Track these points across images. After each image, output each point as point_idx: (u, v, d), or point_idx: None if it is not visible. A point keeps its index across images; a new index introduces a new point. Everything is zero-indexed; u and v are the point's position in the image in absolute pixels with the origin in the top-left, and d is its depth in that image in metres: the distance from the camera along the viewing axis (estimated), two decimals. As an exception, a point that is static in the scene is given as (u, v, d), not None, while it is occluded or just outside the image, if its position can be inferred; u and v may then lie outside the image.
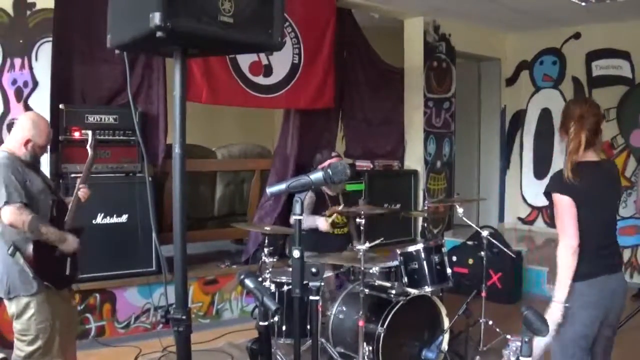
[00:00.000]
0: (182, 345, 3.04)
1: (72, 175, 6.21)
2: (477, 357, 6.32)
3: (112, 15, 2.96)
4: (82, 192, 4.98)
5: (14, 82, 6.48)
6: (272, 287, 5.98)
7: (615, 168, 4.84)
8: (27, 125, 4.72)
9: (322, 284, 4.01)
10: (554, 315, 4.07)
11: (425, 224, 9.97)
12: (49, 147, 5.02)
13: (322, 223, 6.83)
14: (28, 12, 6.53)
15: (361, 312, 5.53)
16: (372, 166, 9.66)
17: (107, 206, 6.92)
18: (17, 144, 4.67)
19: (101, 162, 6.88)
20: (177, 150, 2.96)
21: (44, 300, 4.61)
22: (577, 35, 11.00)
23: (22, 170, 4.57)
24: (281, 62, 8.27)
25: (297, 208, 3.29)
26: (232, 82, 7.85)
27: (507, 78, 12.07)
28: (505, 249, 7.70)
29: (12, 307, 4.62)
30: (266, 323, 3.34)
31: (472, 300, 6.42)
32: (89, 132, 5.27)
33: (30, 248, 4.49)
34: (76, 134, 6.67)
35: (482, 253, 6.71)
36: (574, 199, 4.20)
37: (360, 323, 5.52)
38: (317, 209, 7.02)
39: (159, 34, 2.57)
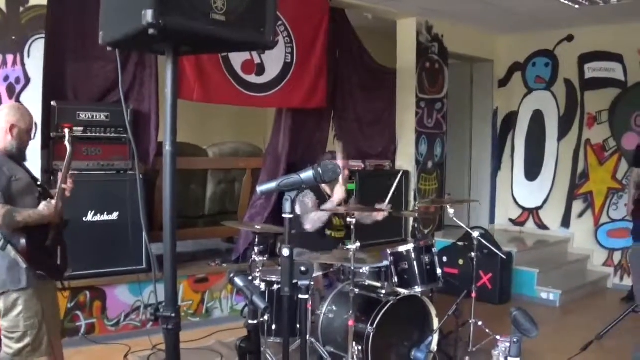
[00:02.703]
0: (172, 343, 3.04)
1: (64, 172, 6.19)
2: (467, 358, 6.33)
3: (104, 12, 2.96)
4: (66, 186, 4.96)
5: (6, 78, 6.47)
6: (262, 286, 5.98)
7: None
8: (7, 112, 4.70)
9: (312, 282, 4.01)
10: None
11: (416, 224, 9.97)
12: (34, 135, 4.97)
13: (337, 193, 6.78)
14: (21, 9, 6.52)
15: (351, 312, 5.53)
16: (363, 166, 9.66)
17: (98, 204, 6.91)
18: (1, 137, 4.64)
19: (92, 159, 6.88)
20: (167, 148, 2.95)
21: (33, 295, 4.59)
22: (569, 38, 11.03)
23: (7, 168, 4.54)
24: (274, 61, 8.28)
25: (286, 207, 3.30)
26: (224, 81, 7.85)
27: (499, 79, 12.09)
28: (496, 250, 7.72)
29: (0, 303, 4.61)
30: (255, 322, 3.35)
31: (462, 301, 6.43)
32: (67, 129, 5.25)
33: (23, 241, 4.48)
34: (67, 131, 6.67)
35: (473, 254, 6.72)
36: None
37: (350, 323, 5.52)
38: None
39: (151, 31, 2.56)
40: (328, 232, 6.98)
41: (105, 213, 6.96)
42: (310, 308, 5.61)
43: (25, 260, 4.47)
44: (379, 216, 6.82)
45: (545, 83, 11.44)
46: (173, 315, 2.97)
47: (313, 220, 6.67)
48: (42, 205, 4.67)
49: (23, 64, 6.56)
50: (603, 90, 10.71)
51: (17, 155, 4.73)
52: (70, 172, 4.97)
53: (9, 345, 4.63)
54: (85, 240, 6.46)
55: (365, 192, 9.15)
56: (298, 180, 3.26)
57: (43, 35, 6.64)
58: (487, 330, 6.41)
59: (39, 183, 4.88)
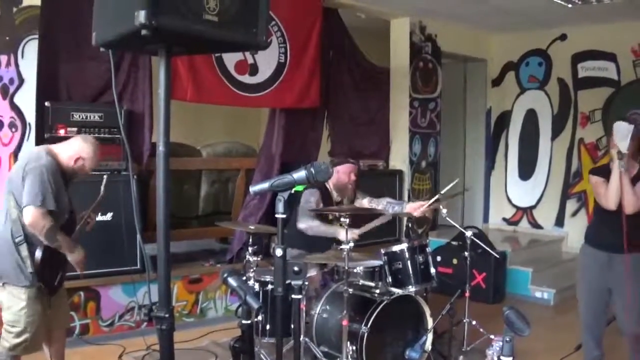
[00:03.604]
0: (165, 343, 3.04)
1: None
2: (461, 357, 6.33)
3: (97, 13, 2.96)
4: (90, 219, 5.21)
5: (0, 79, 6.47)
6: (256, 286, 5.98)
7: None
8: (85, 145, 4.91)
9: (306, 283, 4.01)
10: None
11: (410, 224, 9.99)
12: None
13: (344, 234, 6.19)
14: (14, 9, 6.51)
15: (345, 312, 5.52)
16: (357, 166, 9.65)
17: (92, 204, 6.89)
18: (66, 156, 4.82)
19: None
20: (161, 148, 2.96)
21: (37, 294, 4.65)
22: (563, 37, 11.04)
23: (59, 180, 4.64)
24: (267, 61, 8.28)
25: (279, 207, 3.30)
26: (217, 81, 7.85)
27: (492, 79, 12.10)
28: (490, 250, 7.72)
29: (2, 295, 4.63)
30: (249, 322, 3.35)
31: (456, 300, 6.43)
32: (105, 176, 5.36)
33: (39, 255, 4.56)
34: (61, 132, 6.67)
35: (466, 253, 6.72)
36: None
37: (344, 322, 5.51)
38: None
39: (144, 32, 2.57)
40: None
41: (99, 214, 6.95)
42: (304, 308, 5.62)
43: (32, 266, 4.53)
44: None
45: (538, 82, 11.46)
46: (167, 315, 2.98)
47: (310, 227, 6.49)
48: (79, 246, 4.89)
49: (17, 65, 6.55)
50: (596, 89, 10.72)
51: (67, 178, 4.94)
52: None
53: (7, 339, 4.67)
54: (79, 241, 6.44)
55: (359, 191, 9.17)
56: (291, 181, 3.26)
57: (37, 36, 6.64)
58: (481, 330, 6.42)
59: (71, 209, 4.97)
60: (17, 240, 4.52)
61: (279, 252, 3.28)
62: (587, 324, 5.80)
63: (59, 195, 4.62)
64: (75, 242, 4.90)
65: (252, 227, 6.37)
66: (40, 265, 4.58)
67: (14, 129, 6.52)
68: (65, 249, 4.72)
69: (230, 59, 7.93)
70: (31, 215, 4.45)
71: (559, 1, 8.89)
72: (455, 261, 8.87)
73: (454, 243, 9.08)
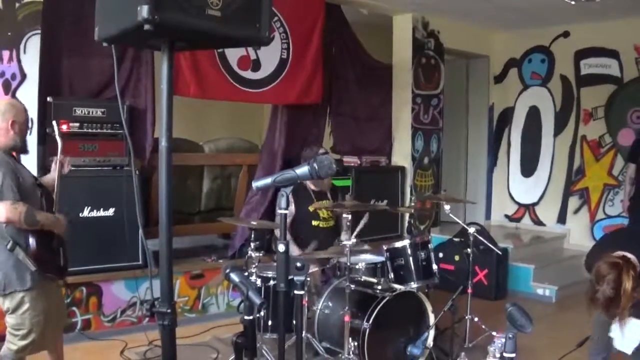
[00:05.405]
0: (167, 339, 3.04)
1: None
2: (463, 354, 6.32)
3: (100, 8, 2.95)
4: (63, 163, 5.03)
5: (2, 74, 6.47)
6: (258, 282, 5.98)
7: None
8: (5, 109, 4.68)
9: (308, 278, 4.00)
10: None
11: (412, 220, 9.98)
12: (30, 131, 4.99)
13: (295, 252, 6.79)
14: (17, 5, 6.52)
15: (347, 308, 5.53)
16: (359, 162, 9.64)
17: (94, 199, 6.90)
18: (2, 132, 4.64)
19: (88, 155, 6.86)
20: (163, 143, 2.95)
21: (39, 294, 4.61)
22: (566, 34, 11.03)
23: (13, 166, 4.55)
24: (269, 57, 8.28)
25: (282, 202, 3.29)
26: (220, 77, 7.85)
27: (495, 75, 12.10)
28: (492, 246, 7.71)
29: (6, 303, 4.60)
30: (251, 317, 3.34)
31: (458, 297, 6.42)
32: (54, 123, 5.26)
33: (33, 242, 4.49)
34: (64, 127, 6.66)
35: (469, 250, 6.72)
36: None
37: (346, 318, 5.53)
38: (301, 207, 7.07)
39: (146, 27, 2.56)
40: (315, 223, 7.00)
41: (102, 209, 6.96)
42: (306, 304, 5.62)
43: (35, 263, 4.48)
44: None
45: (541, 79, 11.46)
46: (169, 311, 2.97)
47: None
48: (59, 214, 4.75)
49: (19, 60, 6.56)
50: (599, 86, 10.72)
51: (22, 149, 4.79)
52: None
53: (13, 342, 4.63)
54: (81, 236, 6.44)
55: (361, 188, 9.17)
56: (294, 176, 3.25)
57: (39, 31, 6.64)
58: (483, 326, 6.43)
59: (38, 182, 4.88)
60: (9, 247, 4.48)
61: (281, 247, 3.27)
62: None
63: (20, 183, 4.53)
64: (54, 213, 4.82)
65: (254, 223, 6.37)
66: (39, 253, 4.53)
67: (16, 125, 6.52)
68: (50, 225, 4.65)
69: (233, 55, 7.93)
70: (3, 209, 4.37)
71: (562, -2, 8.90)
72: (457, 258, 8.86)
73: (456, 239, 9.06)
